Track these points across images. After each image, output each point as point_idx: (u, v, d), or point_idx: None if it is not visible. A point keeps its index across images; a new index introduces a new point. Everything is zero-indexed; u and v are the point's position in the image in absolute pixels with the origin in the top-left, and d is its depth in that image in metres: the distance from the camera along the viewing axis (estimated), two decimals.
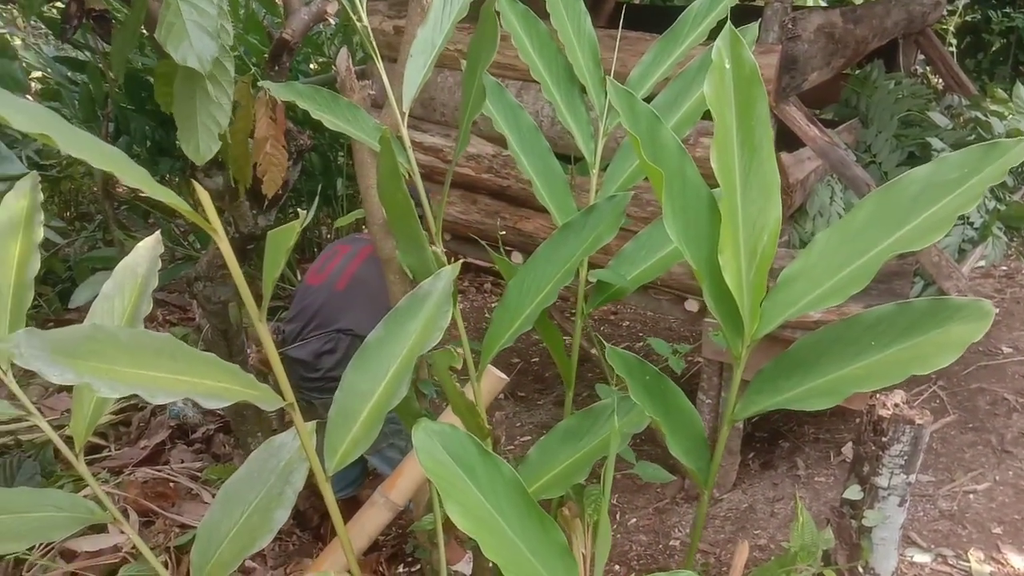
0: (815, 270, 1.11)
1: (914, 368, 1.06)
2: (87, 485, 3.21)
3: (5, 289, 1.33)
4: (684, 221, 1.10)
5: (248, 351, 3.65)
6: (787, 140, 2.50)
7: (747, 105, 1.11)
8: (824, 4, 5.11)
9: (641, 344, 4.56)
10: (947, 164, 1.07)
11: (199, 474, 3.48)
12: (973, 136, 3.21)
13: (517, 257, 3.27)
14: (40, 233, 1.38)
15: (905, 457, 1.73)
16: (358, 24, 1.32)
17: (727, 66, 1.12)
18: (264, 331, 1.07)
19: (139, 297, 1.36)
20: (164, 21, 1.88)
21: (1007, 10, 5.12)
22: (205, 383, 0.95)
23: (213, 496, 3.30)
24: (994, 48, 5.32)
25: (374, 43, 1.31)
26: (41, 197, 1.43)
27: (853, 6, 3.05)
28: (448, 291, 1.18)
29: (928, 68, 4.13)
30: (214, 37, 1.88)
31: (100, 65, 4.43)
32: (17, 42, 5.32)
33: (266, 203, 2.54)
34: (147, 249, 1.41)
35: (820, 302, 1.09)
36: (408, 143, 1.29)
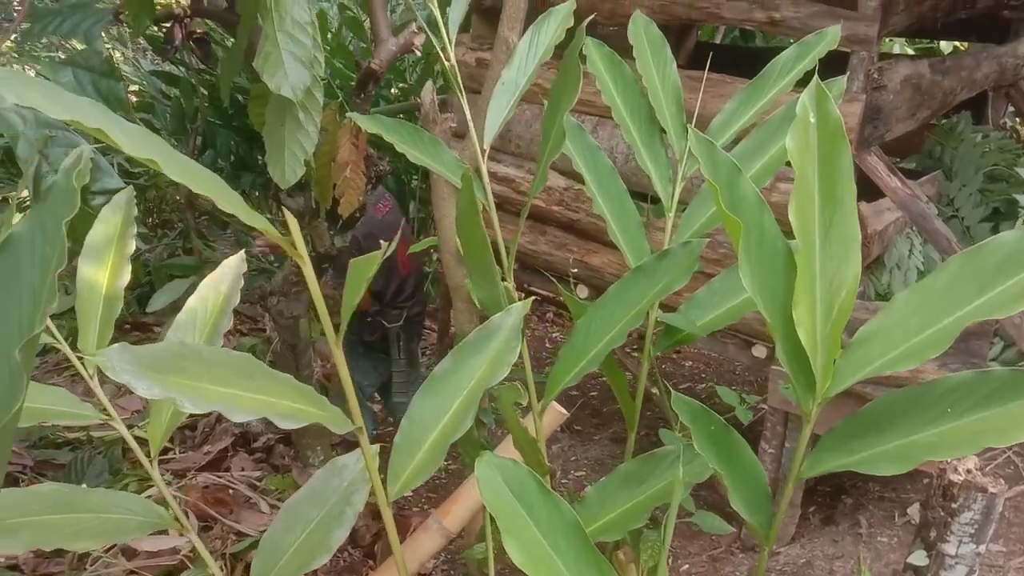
0: (893, 330, 1.09)
1: (990, 440, 1.02)
2: (152, 485, 3.31)
3: (97, 299, 1.40)
4: (760, 273, 1.09)
5: (314, 366, 3.73)
6: (867, 190, 2.46)
7: (830, 159, 1.11)
8: (911, 51, 5.02)
9: (703, 386, 4.50)
10: None
11: (258, 483, 3.55)
12: None
13: (583, 290, 3.28)
14: (132, 246, 1.45)
15: (976, 525, 1.67)
16: (446, 64, 1.36)
17: (812, 120, 1.12)
18: (339, 355, 1.10)
19: (220, 313, 1.41)
20: (262, 50, 1.96)
21: None
22: (281, 403, 0.98)
23: (271, 506, 3.38)
24: None
25: (460, 81, 1.35)
26: (135, 211, 1.50)
27: (942, 57, 2.99)
28: (517, 327, 1.19)
29: (1018, 122, 4.01)
30: (307, 67, 1.96)
31: (192, 81, 4.63)
32: (118, 55, 5.60)
33: (341, 224, 2.61)
34: (231, 267, 1.46)
35: (896, 364, 1.07)
36: (487, 179, 1.32)
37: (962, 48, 4.73)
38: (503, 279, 1.26)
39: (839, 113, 1.11)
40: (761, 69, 1.54)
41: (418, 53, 2.42)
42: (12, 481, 3.67)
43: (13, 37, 1.65)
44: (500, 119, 1.34)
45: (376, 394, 3.95)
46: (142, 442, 1.36)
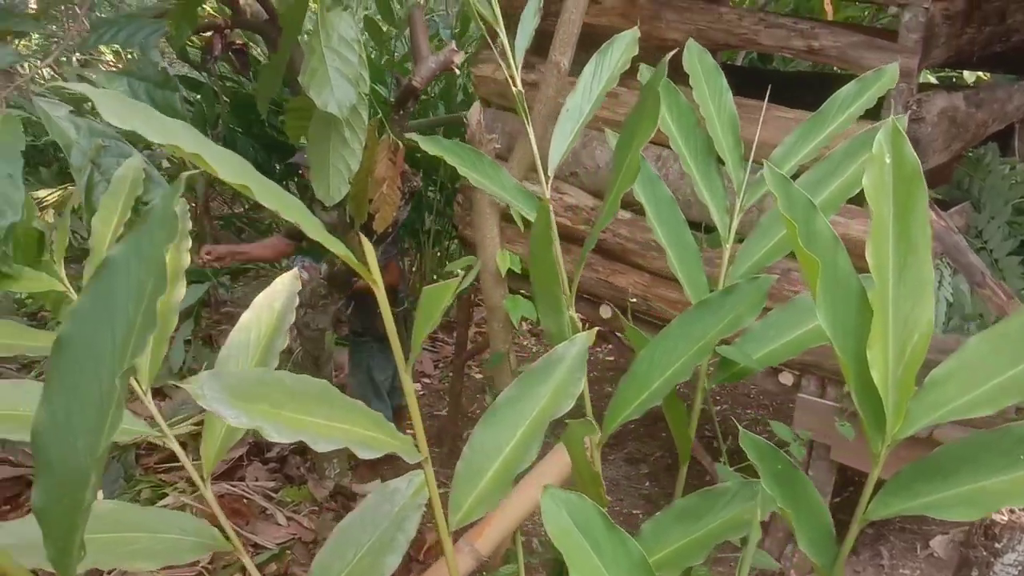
0: (966, 374, 1.08)
1: None
2: (166, 493, 3.28)
3: None
4: (834, 312, 1.09)
5: (333, 378, 3.73)
6: None
7: (906, 202, 1.10)
8: (933, 79, 5.04)
9: (719, 408, 4.48)
10: None
11: (273, 494, 3.54)
12: None
13: (606, 310, 3.27)
14: (187, 259, 1.44)
15: (1019, 567, 1.65)
16: (513, 90, 1.35)
17: (887, 160, 1.11)
18: (408, 383, 1.09)
19: (274, 331, 1.41)
20: (308, 66, 1.96)
21: None
22: (357, 431, 0.98)
23: (287, 518, 3.36)
24: None
25: (525, 108, 1.34)
26: (189, 224, 1.50)
27: (976, 88, 3.00)
28: (582, 357, 1.19)
29: None
30: (354, 85, 1.96)
31: (215, 88, 4.64)
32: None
33: (375, 238, 2.61)
34: (285, 285, 1.45)
35: (970, 409, 1.06)
36: (551, 206, 1.32)
37: (984, 78, 4.75)
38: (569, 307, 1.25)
39: (915, 155, 1.10)
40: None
41: (457, 71, 2.42)
42: (28, 484, 3.66)
43: (72, 45, 1.65)
44: (565, 146, 1.34)
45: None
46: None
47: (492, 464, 1.16)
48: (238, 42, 2.55)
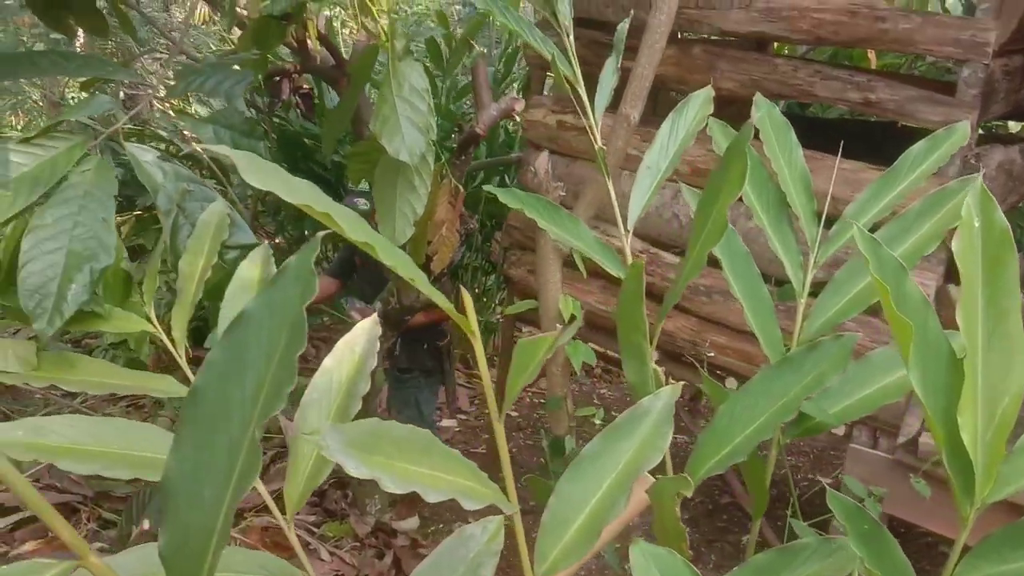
0: None
1: None
2: None
3: None
4: (925, 373, 1.10)
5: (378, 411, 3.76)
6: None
7: (995, 267, 1.12)
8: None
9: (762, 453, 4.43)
10: None
11: (315, 528, 3.55)
12: None
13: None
14: None
15: None
16: (595, 146, 1.39)
17: (976, 224, 1.13)
18: (500, 429, 1.11)
19: (356, 374, 1.43)
20: (380, 114, 2.02)
21: None
22: (460, 482, 1.00)
23: (330, 553, 3.37)
24: None
25: (606, 164, 1.38)
26: (274, 269, 1.54)
27: None
28: (669, 411, 1.20)
29: None
30: (424, 133, 2.01)
31: (263, 125, 4.75)
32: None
33: (432, 278, 2.65)
34: (365, 329, 1.49)
35: None
36: (630, 260, 1.34)
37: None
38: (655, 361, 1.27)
39: (1005, 220, 1.12)
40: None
41: (518, 120, 2.47)
42: (71, 511, 3.71)
43: (163, 93, 1.72)
44: (643, 201, 1.37)
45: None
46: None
47: (579, 515, 1.18)
48: (305, 87, 2.62)
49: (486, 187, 1.63)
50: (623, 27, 1.47)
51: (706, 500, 4.07)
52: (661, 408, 1.21)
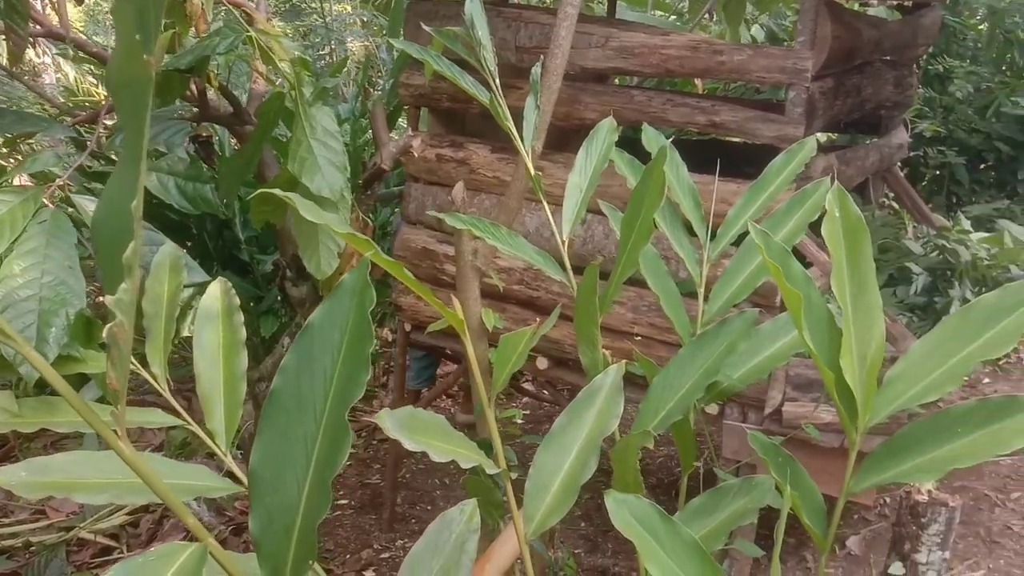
0: (914, 372, 1.43)
1: (996, 449, 1.36)
2: None
3: (217, 383, 1.56)
4: (813, 332, 1.41)
5: None
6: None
7: (854, 246, 1.45)
8: None
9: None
10: (1008, 292, 1.42)
11: None
12: (940, 257, 3.71)
13: (542, 362, 3.55)
14: (242, 332, 1.61)
15: (941, 535, 2.02)
16: (532, 175, 1.63)
17: (837, 214, 1.46)
18: (491, 416, 1.32)
19: None
20: (296, 156, 2.18)
21: (941, 148, 5.82)
22: (459, 451, 1.20)
23: None
24: (924, 181, 6.01)
25: (542, 189, 1.62)
26: (235, 298, 1.67)
27: (844, 149, 3.54)
28: (617, 385, 1.45)
29: (893, 200, 4.64)
30: (341, 171, 2.19)
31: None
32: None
33: None
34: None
35: (921, 397, 1.40)
36: (570, 269, 1.60)
37: (833, 138, 5.45)
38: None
39: (858, 209, 1.46)
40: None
41: (416, 154, 2.68)
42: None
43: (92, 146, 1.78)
44: (572, 215, 1.63)
45: None
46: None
47: (555, 480, 1.40)
48: (204, 135, 2.70)
49: (437, 214, 1.83)
50: (537, 69, 1.73)
51: (594, 496, 4.35)
52: (611, 383, 1.46)
